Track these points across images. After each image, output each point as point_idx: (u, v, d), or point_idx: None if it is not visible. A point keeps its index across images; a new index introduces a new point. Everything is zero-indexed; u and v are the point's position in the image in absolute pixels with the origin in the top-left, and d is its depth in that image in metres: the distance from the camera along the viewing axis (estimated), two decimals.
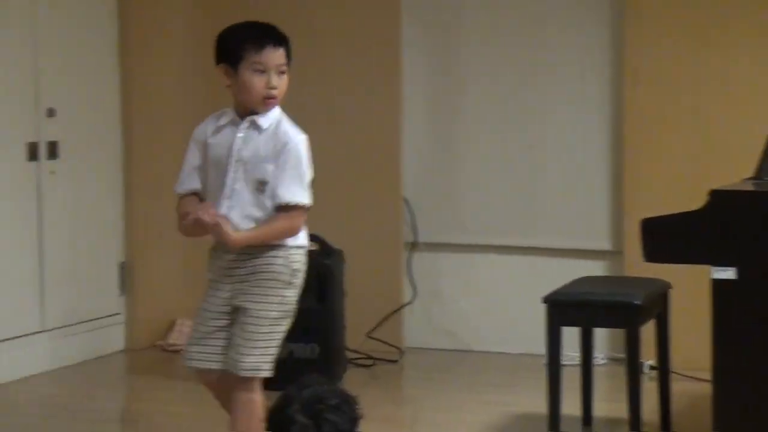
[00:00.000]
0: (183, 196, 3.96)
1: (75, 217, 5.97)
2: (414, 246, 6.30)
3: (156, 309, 6.34)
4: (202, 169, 3.93)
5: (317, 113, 6.08)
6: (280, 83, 3.87)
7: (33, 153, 5.75)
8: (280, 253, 3.87)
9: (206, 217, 3.79)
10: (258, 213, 3.85)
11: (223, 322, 3.90)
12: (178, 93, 6.31)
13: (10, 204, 5.67)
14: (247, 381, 3.86)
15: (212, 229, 3.80)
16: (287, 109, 3.95)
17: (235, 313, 3.89)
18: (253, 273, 3.87)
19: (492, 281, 6.18)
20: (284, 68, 3.89)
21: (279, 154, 3.84)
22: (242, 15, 6.03)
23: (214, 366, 3.90)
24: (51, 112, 5.81)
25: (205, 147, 3.93)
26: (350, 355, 5.89)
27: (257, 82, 3.84)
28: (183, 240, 6.05)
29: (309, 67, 5.97)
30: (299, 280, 3.93)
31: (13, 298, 5.68)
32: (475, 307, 6.21)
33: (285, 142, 3.86)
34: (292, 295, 3.91)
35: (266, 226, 3.84)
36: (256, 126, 3.88)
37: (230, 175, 3.86)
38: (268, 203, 3.85)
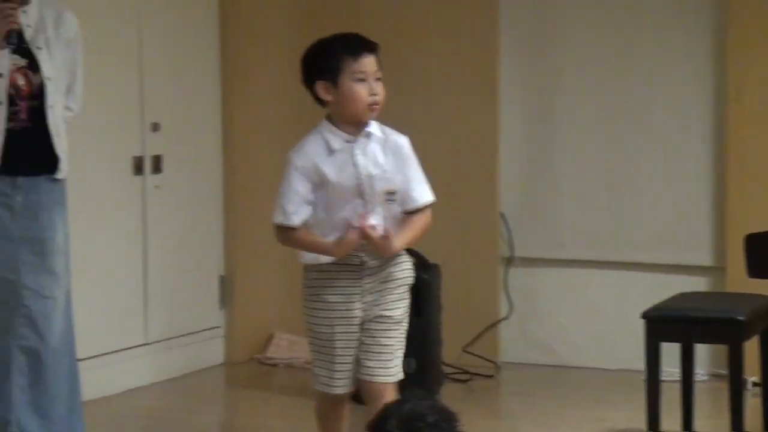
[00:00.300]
0: (297, 228, 3.91)
1: (177, 231, 6.06)
2: (510, 261, 6.29)
3: (255, 323, 6.40)
4: (312, 197, 3.91)
5: (414, 127, 5.99)
6: (380, 89, 3.89)
7: (138, 167, 5.86)
8: (405, 258, 3.96)
9: (373, 232, 3.80)
10: (391, 224, 3.87)
11: (357, 342, 3.93)
12: (277, 109, 6.37)
13: (116, 217, 5.77)
14: (391, 387, 3.92)
15: (380, 241, 3.80)
16: (384, 121, 3.97)
17: (369, 323, 3.91)
18: (386, 281, 3.91)
19: (589, 296, 6.15)
20: (380, 74, 3.91)
21: (399, 160, 3.89)
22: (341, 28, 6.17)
23: (353, 384, 3.97)
24: (155, 127, 5.92)
25: (318, 173, 3.88)
26: (446, 369, 5.90)
27: (361, 91, 3.85)
28: (282, 254, 6.11)
29: (405, 80, 6.01)
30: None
31: (117, 312, 5.78)
32: (573, 322, 6.18)
33: (399, 146, 3.92)
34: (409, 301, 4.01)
35: (413, 228, 3.89)
36: (370, 138, 3.90)
37: (366, 193, 3.86)
38: (398, 210, 3.90)
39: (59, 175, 4.44)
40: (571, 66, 6.16)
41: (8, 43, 4.23)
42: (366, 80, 3.85)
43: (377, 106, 3.88)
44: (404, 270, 3.95)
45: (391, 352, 3.91)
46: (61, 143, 4.41)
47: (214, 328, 6.31)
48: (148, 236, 5.91)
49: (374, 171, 3.86)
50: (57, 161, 4.41)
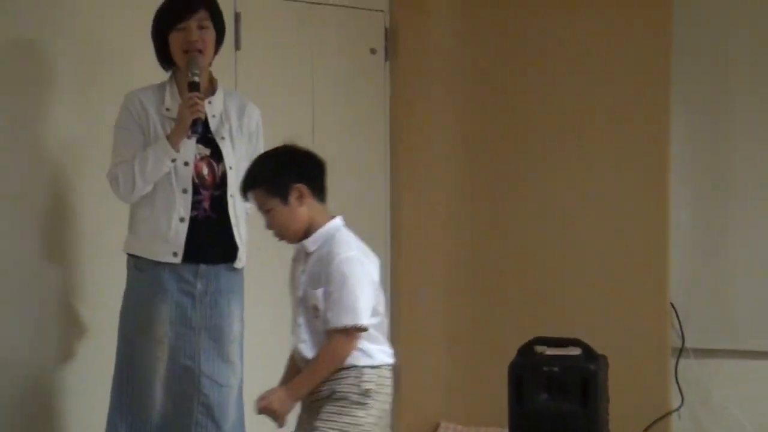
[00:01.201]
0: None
1: None
2: (681, 351, 6.16)
3: (421, 411, 6.35)
4: None
5: (581, 212, 6.06)
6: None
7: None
8: (352, 372, 3.86)
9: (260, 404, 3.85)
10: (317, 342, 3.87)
11: None
12: (444, 198, 6.36)
13: (287, 305, 5.77)
14: None
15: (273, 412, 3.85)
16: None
17: None
18: (327, 397, 3.86)
19: (766, 390, 5.99)
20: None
21: (326, 277, 3.84)
22: (506, 105, 6.17)
23: None
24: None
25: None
26: None
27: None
28: (446, 342, 6.10)
29: (573, 162, 5.98)
30: (374, 401, 3.89)
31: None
32: (749, 417, 6.01)
33: (329, 261, 3.86)
34: (365, 416, 3.86)
35: (311, 368, 3.85)
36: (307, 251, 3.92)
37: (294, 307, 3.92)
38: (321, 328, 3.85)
39: (238, 265, 4.49)
40: (743, 148, 6.05)
41: (193, 132, 4.31)
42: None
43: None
44: (342, 385, 3.86)
45: None
46: (240, 233, 4.47)
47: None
48: None
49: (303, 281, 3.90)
50: (236, 250, 4.46)
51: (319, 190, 3.94)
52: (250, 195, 3.94)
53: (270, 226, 3.92)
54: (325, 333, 3.84)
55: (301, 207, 3.89)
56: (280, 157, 3.97)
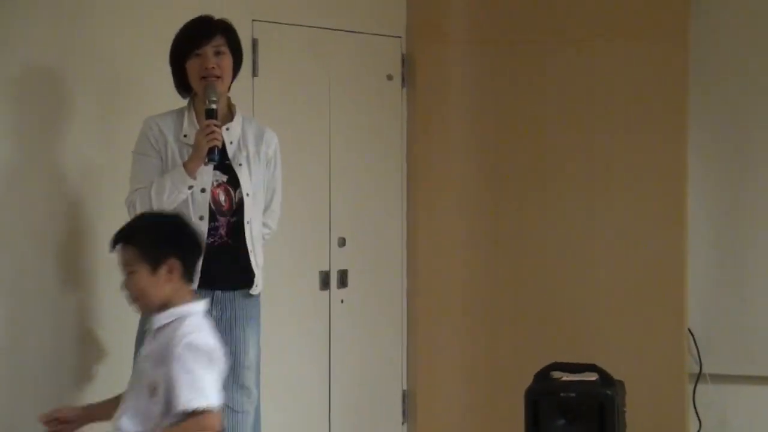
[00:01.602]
0: None
1: (360, 345, 6.07)
2: (699, 377, 6.14)
3: None
4: None
5: (599, 240, 6.05)
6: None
7: (325, 281, 5.91)
8: None
9: None
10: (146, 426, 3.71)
11: None
12: (462, 225, 6.36)
13: (303, 332, 5.81)
14: None
15: None
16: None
17: None
18: None
19: None
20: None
21: (171, 358, 3.68)
22: (522, 131, 6.17)
23: None
24: (342, 242, 5.97)
25: None
26: None
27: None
28: (463, 368, 6.08)
29: (589, 181, 5.97)
30: None
31: (301, 427, 5.78)
32: None
33: (176, 343, 3.70)
34: None
35: None
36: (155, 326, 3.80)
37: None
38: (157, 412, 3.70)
39: (254, 291, 4.49)
40: (763, 173, 6.04)
41: (210, 160, 4.32)
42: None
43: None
44: None
45: None
46: (257, 259, 4.47)
47: None
48: (333, 349, 5.93)
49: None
50: (252, 276, 4.46)
51: (190, 271, 3.84)
52: (120, 247, 3.80)
53: (127, 286, 3.80)
54: (174, 416, 3.67)
55: (167, 282, 3.77)
56: (166, 226, 3.86)
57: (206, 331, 3.78)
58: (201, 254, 3.94)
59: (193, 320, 3.78)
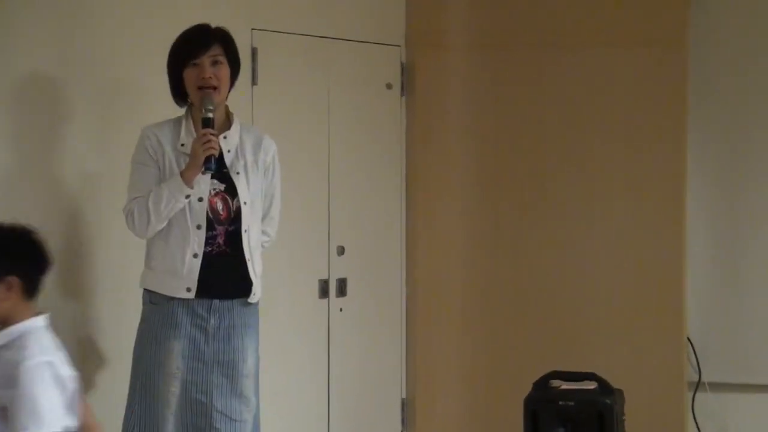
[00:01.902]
0: None
1: (359, 353, 6.07)
2: (698, 386, 6.13)
3: None
4: None
5: (598, 249, 6.05)
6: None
7: (324, 290, 5.92)
8: None
9: None
10: None
11: None
12: (462, 233, 6.37)
13: (302, 341, 5.81)
14: None
15: None
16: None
17: None
18: None
19: None
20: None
21: (12, 380, 3.55)
22: (522, 140, 6.17)
23: None
24: (341, 251, 5.98)
25: None
26: None
27: None
28: (462, 376, 6.08)
29: (588, 190, 5.98)
30: None
31: (301, 431, 5.81)
32: None
33: (15, 364, 3.57)
34: None
35: None
36: None
37: None
38: None
39: (252, 300, 4.50)
40: (762, 182, 6.04)
41: (206, 169, 4.33)
42: None
43: None
44: None
45: None
46: (255, 267, 4.47)
47: None
48: (332, 358, 5.94)
49: None
50: (251, 285, 4.47)
51: (33, 287, 3.70)
52: None
53: None
54: None
55: (5, 300, 3.63)
56: (3, 241, 3.68)
57: (51, 351, 3.66)
58: (46, 268, 3.78)
59: (35, 338, 3.64)
